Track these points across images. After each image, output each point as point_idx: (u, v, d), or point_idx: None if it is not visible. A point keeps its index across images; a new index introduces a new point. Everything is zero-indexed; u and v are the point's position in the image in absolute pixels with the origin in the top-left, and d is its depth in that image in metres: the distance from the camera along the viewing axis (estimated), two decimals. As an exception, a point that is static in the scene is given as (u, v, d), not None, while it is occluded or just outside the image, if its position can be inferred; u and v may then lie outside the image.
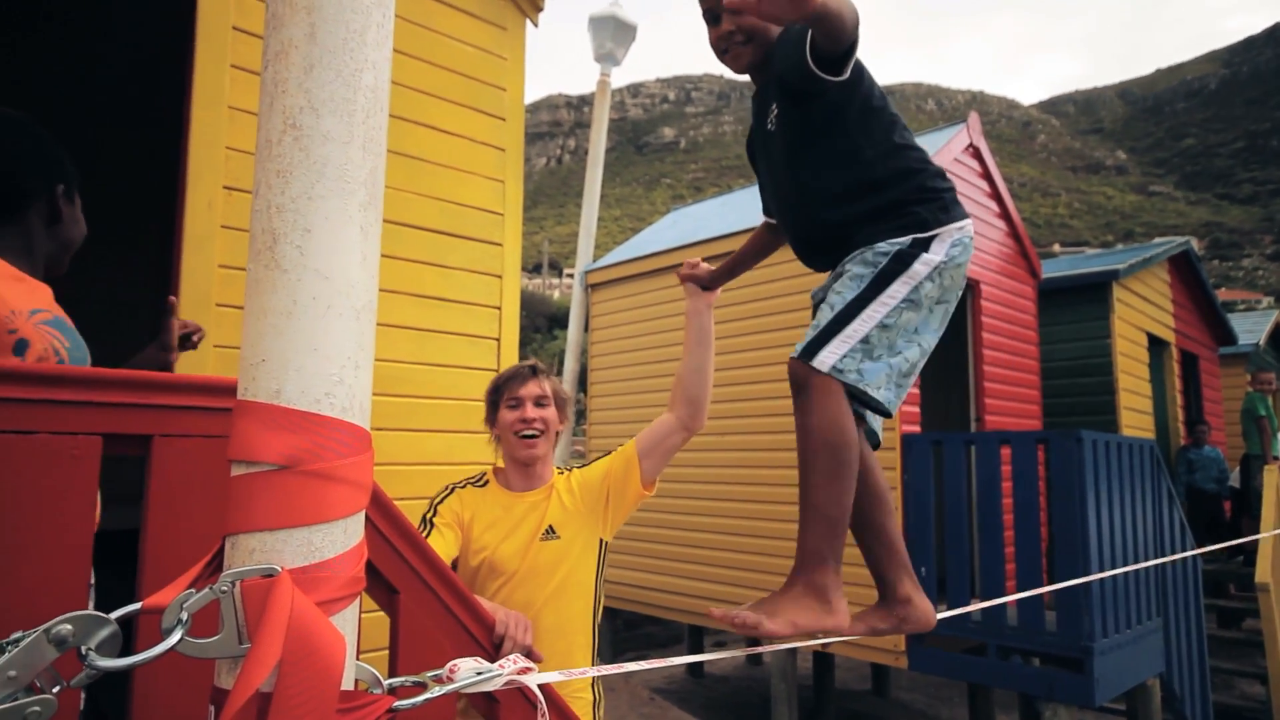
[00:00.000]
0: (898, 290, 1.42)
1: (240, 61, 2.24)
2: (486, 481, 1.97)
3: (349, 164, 0.81)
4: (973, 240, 1.55)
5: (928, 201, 1.49)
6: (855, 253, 1.49)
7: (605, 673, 1.09)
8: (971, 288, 5.99)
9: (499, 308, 2.82)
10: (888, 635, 1.46)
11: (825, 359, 1.37)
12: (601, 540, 1.97)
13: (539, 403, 1.94)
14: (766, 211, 1.76)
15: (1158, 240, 9.94)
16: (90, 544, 1.11)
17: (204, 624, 0.73)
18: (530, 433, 1.91)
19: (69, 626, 0.64)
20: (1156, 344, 8.64)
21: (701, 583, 5.97)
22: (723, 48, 1.58)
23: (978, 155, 6.14)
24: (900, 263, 1.43)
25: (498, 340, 2.83)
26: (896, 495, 4.91)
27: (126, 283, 3.55)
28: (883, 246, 1.46)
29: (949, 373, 6.51)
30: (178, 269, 2.16)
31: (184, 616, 0.70)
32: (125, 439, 1.16)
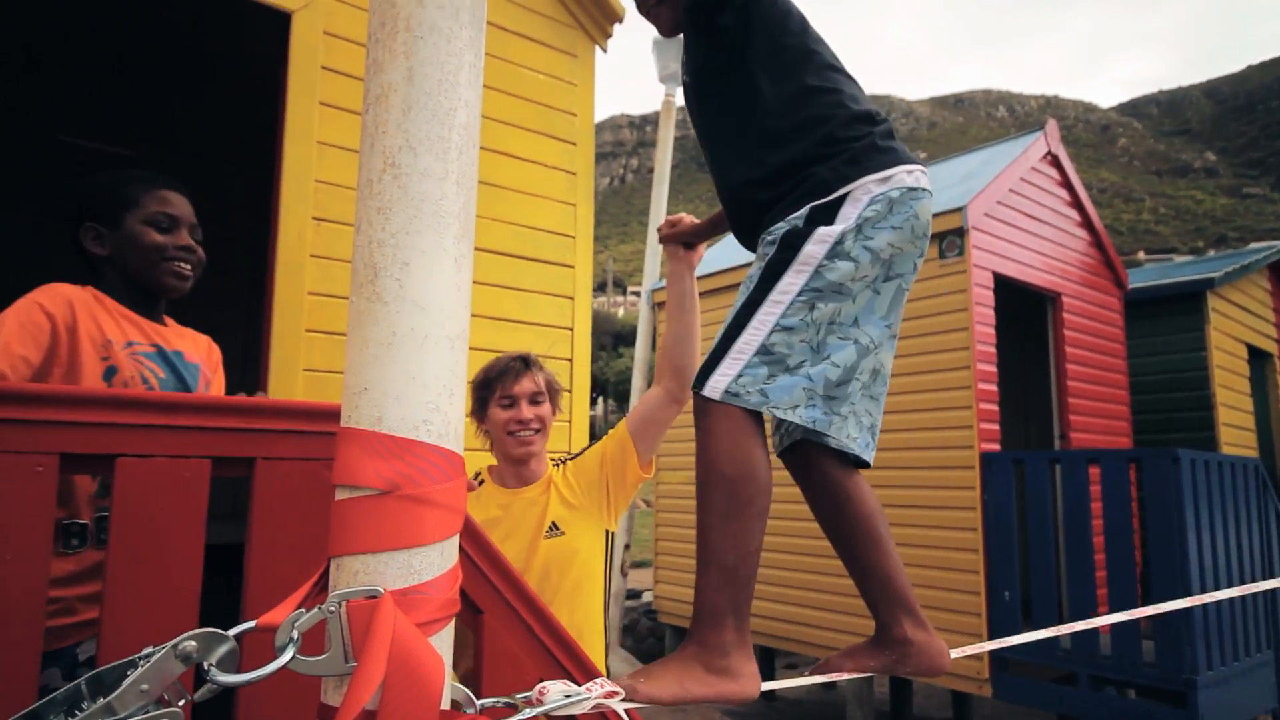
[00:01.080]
0: (790, 283, 1.15)
1: (328, 99, 2.36)
2: (482, 480, 1.89)
3: (444, 199, 0.85)
4: (922, 188, 1.24)
5: (829, 157, 1.19)
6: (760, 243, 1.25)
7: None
8: (1052, 300, 5.77)
9: (571, 329, 2.86)
10: (883, 674, 1.28)
11: (716, 384, 1.14)
12: (606, 531, 1.88)
13: (534, 400, 1.84)
14: None
15: (1255, 245, 9.36)
16: (201, 561, 1.18)
17: (309, 642, 0.76)
18: (526, 432, 1.82)
19: (193, 643, 0.67)
20: (1257, 356, 8.13)
21: (773, 604, 5.88)
22: (643, 10, 1.42)
23: (1056, 163, 5.94)
24: (787, 248, 1.16)
25: (570, 361, 2.87)
26: (976, 515, 4.74)
27: (219, 305, 3.75)
28: (774, 229, 1.20)
29: (1030, 389, 6.27)
30: (270, 296, 2.28)
31: (295, 635, 0.73)
32: (231, 462, 1.22)
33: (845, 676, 1.24)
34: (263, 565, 1.21)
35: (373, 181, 0.83)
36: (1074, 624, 1.56)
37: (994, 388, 4.88)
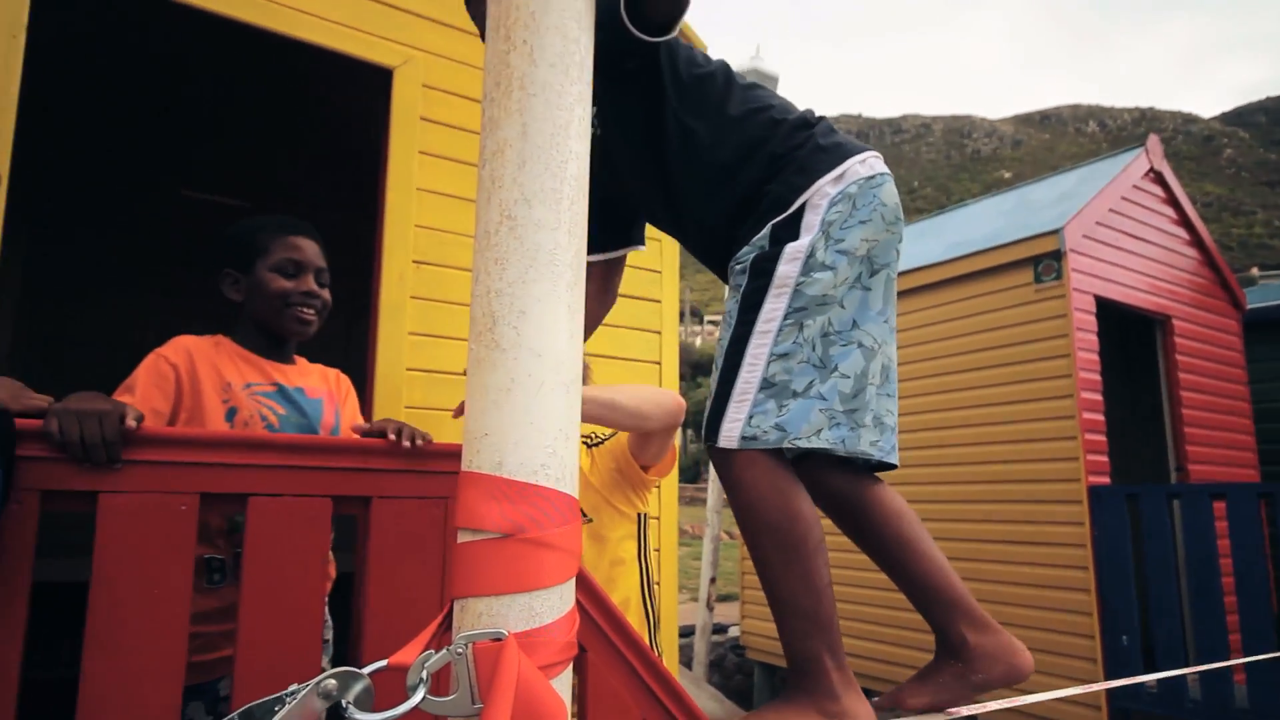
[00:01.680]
0: (773, 309, 1.11)
1: (426, 148, 2.47)
2: None
3: (557, 248, 0.87)
4: (878, 173, 1.19)
5: (778, 173, 1.15)
6: (729, 274, 1.21)
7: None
8: (1160, 324, 5.45)
9: (659, 363, 2.88)
10: (962, 701, 1.16)
11: (729, 432, 1.10)
12: (641, 514, 1.83)
13: None
14: (595, 247, 1.41)
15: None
16: (325, 597, 1.23)
17: (434, 681, 0.78)
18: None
19: (334, 681, 0.70)
20: (1400, 379, 7.42)
21: (863, 641, 5.67)
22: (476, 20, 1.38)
23: (1160, 180, 5.64)
24: (759, 274, 1.12)
25: (658, 395, 2.88)
26: (1086, 553, 4.47)
27: (317, 345, 3.95)
28: (741, 256, 1.16)
29: (1139, 418, 5.91)
30: (374, 336, 2.38)
31: (425, 675, 0.75)
32: (349, 500, 1.28)
33: (917, 714, 1.14)
34: (378, 603, 1.25)
35: (490, 233, 0.87)
36: (1207, 665, 1.45)
37: (1100, 417, 4.62)
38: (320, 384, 1.67)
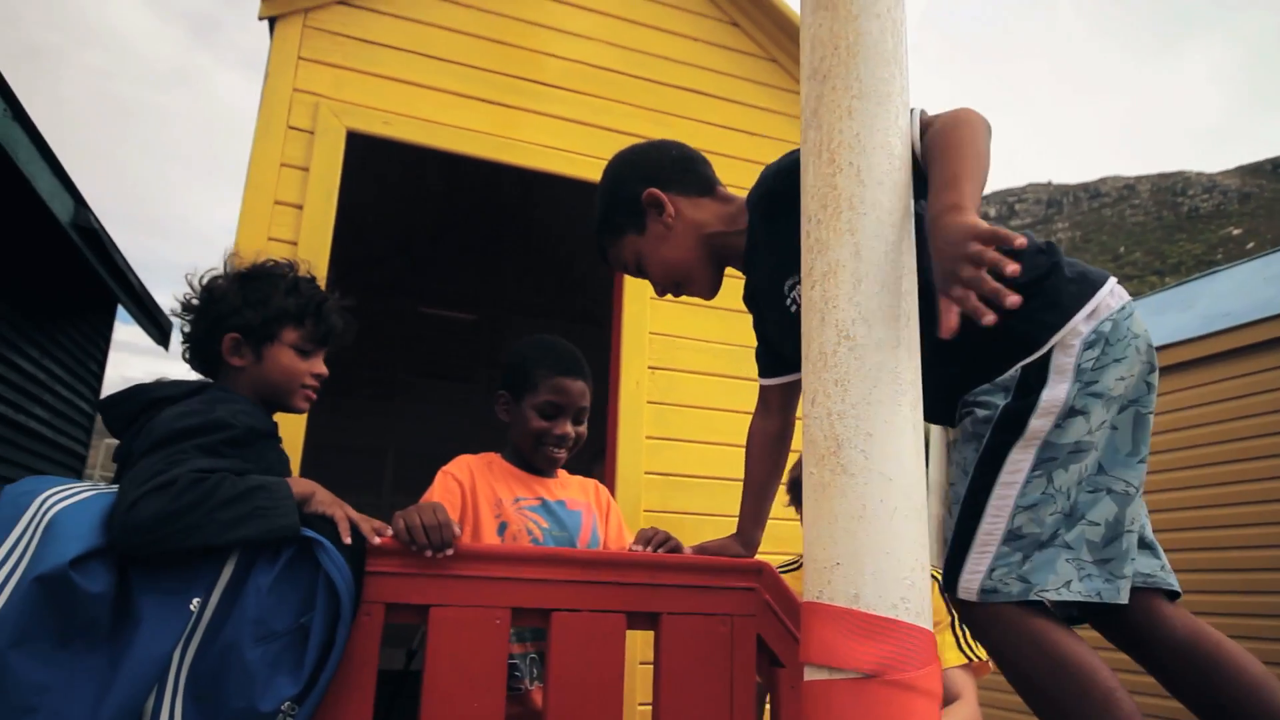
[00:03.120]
0: (1019, 460, 1.03)
1: (658, 259, 2.60)
2: None
3: (899, 367, 0.84)
4: (1126, 305, 1.08)
5: (1025, 302, 0.92)
6: (960, 409, 1.13)
7: None
8: None
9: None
10: None
11: (969, 584, 1.02)
12: None
13: None
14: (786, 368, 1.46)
15: None
16: (620, 709, 1.22)
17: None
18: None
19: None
20: None
21: None
22: (665, 292, 1.44)
23: None
24: (1007, 431, 1.04)
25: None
26: None
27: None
28: (981, 404, 1.08)
29: None
30: (613, 441, 2.46)
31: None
32: (641, 616, 1.28)
33: None
34: (671, 723, 1.22)
35: (827, 354, 0.86)
36: None
37: None
38: (580, 495, 1.73)
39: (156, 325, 5.57)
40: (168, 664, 0.93)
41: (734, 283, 1.47)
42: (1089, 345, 1.06)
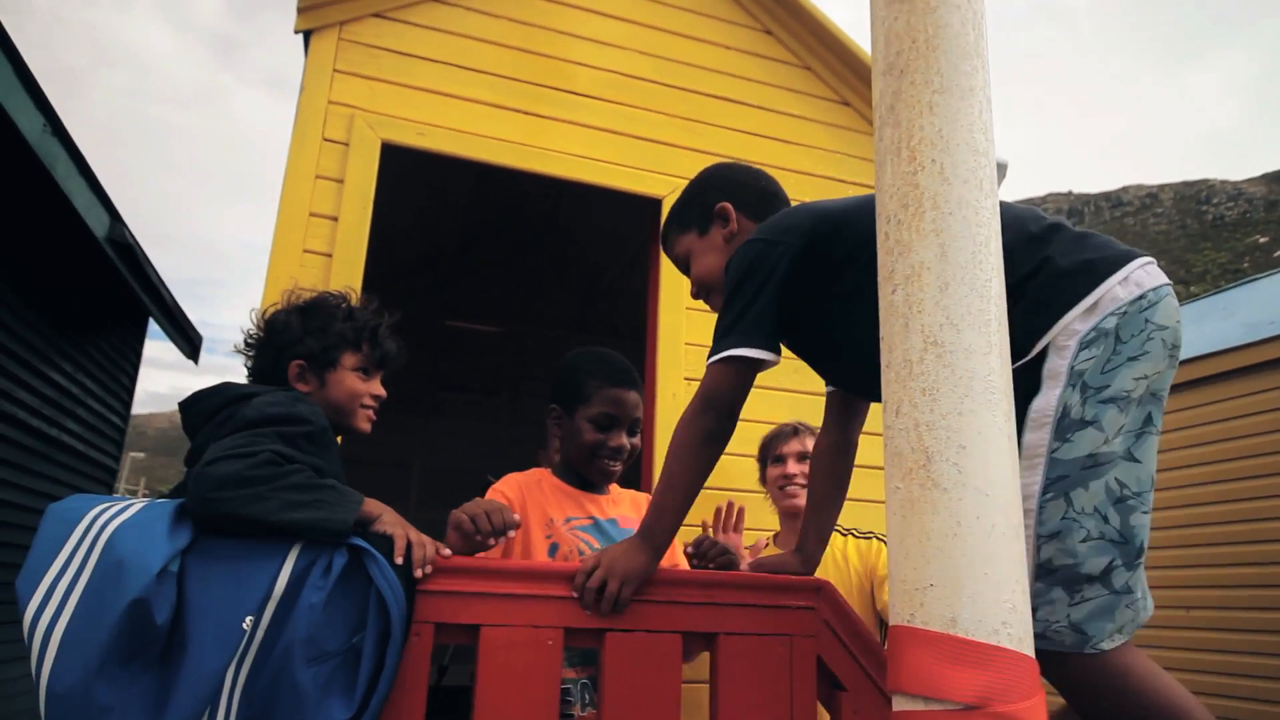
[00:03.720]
0: (1026, 486, 0.95)
1: (694, 268, 2.56)
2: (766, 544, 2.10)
3: (991, 375, 0.79)
4: (1148, 292, 0.96)
5: (1012, 308, 0.84)
6: None
7: None
8: None
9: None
10: None
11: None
12: None
13: (801, 458, 2.06)
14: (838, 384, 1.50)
15: None
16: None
17: None
18: (793, 486, 2.04)
19: None
20: None
21: None
22: (697, 296, 1.50)
23: None
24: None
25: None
26: None
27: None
28: None
29: None
30: (649, 456, 2.41)
31: None
32: (696, 637, 1.23)
33: None
34: (731, 750, 1.17)
35: (912, 362, 0.81)
36: None
37: None
38: (632, 512, 1.68)
39: (187, 339, 5.61)
40: (221, 683, 0.89)
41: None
42: (1086, 345, 0.96)
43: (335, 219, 2.23)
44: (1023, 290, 1.00)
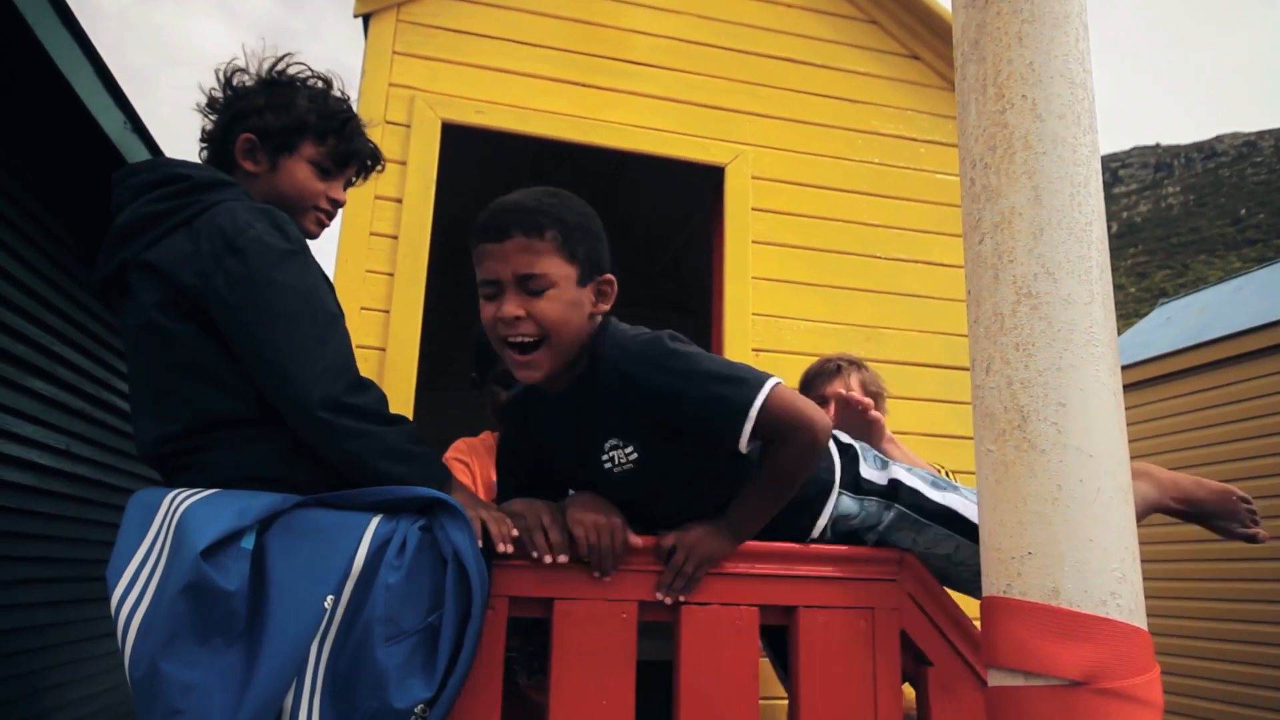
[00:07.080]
0: None
1: (759, 236, 2.49)
2: None
3: (1094, 326, 0.73)
4: None
5: None
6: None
7: None
8: None
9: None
10: None
11: None
12: None
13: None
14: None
15: None
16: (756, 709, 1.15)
17: None
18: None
19: None
20: None
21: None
22: (504, 338, 1.12)
23: None
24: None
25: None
26: None
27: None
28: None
29: None
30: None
31: None
32: (773, 609, 1.20)
33: None
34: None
35: (1004, 315, 0.75)
36: None
37: None
38: None
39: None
40: (304, 660, 0.91)
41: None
42: None
43: (399, 200, 2.25)
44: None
